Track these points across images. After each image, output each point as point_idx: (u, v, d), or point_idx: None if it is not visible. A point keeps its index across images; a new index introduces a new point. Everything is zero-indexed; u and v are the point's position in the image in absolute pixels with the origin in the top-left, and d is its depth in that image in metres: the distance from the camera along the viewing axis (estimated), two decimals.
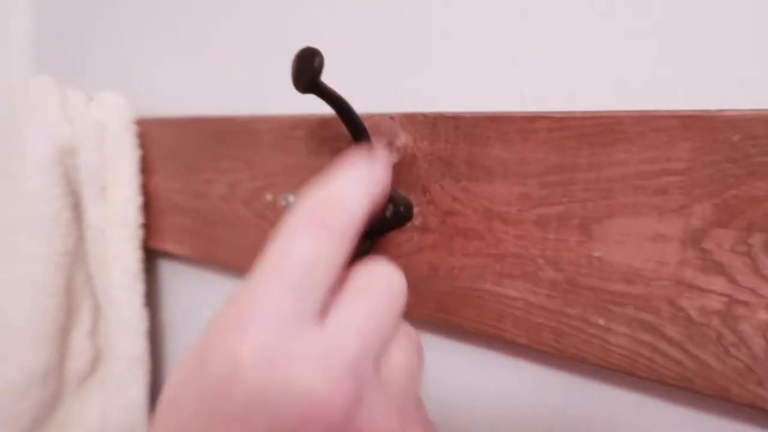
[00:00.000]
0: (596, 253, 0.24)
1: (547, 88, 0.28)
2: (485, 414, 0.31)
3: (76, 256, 0.45)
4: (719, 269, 0.21)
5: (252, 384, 0.17)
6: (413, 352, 0.21)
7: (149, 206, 0.47)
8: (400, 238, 0.31)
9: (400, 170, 0.31)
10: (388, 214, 0.30)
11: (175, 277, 0.50)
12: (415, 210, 0.30)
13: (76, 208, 0.45)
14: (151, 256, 0.49)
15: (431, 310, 0.29)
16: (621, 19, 0.25)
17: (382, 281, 0.21)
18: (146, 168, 0.47)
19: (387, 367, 0.20)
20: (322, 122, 0.34)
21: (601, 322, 0.24)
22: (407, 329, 0.22)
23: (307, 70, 0.26)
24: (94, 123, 0.45)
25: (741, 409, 0.23)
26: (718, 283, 0.21)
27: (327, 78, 0.26)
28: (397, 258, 0.31)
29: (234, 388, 0.17)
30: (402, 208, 0.30)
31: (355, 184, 0.21)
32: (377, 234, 0.32)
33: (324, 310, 0.19)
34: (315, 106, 0.31)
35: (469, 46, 0.31)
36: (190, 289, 0.49)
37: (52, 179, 0.43)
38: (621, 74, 0.26)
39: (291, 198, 0.36)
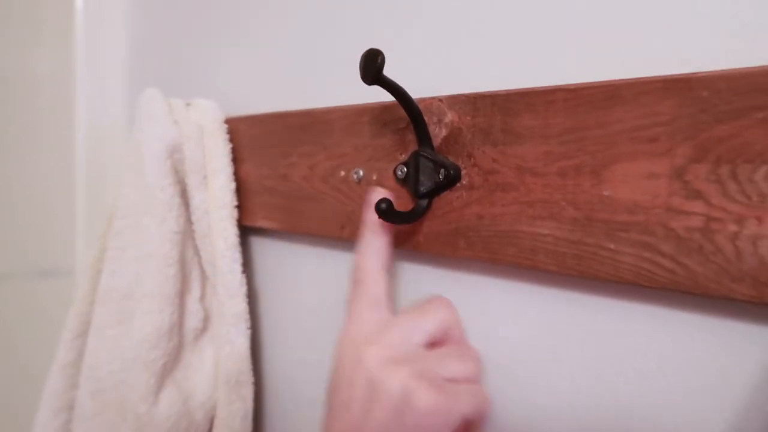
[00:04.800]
0: (606, 193, 0.31)
1: (562, 65, 0.35)
2: (524, 339, 0.38)
3: (186, 233, 0.55)
4: (698, 195, 0.28)
5: (337, 357, 0.38)
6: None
7: (241, 190, 0.56)
8: (451, 196, 0.38)
9: (448, 141, 0.38)
10: (441, 177, 0.38)
11: (263, 249, 0.59)
12: (462, 172, 0.37)
13: (184, 194, 0.55)
14: (244, 232, 0.58)
15: (479, 251, 0.37)
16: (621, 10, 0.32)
17: (427, 305, 0.39)
18: (236, 158, 0.56)
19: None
20: (383, 108, 0.42)
21: (612, 246, 0.31)
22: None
23: (373, 67, 0.34)
24: (194, 124, 0.55)
25: (718, 304, 0.29)
26: (697, 206, 0.28)
27: (387, 71, 0.34)
28: (450, 212, 0.38)
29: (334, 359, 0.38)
30: (452, 172, 0.37)
31: (366, 245, 0.40)
32: (433, 195, 0.39)
33: (383, 314, 0.38)
34: (377, 96, 0.39)
35: (498, 37, 0.38)
36: (275, 259, 0.58)
37: (164, 171, 0.53)
38: (621, 50, 0.32)
39: (361, 172, 0.44)
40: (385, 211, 0.36)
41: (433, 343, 0.36)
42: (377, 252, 0.39)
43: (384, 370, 0.33)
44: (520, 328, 0.38)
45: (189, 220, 0.56)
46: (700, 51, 0.29)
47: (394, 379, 0.32)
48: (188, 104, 0.58)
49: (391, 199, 0.38)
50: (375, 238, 0.39)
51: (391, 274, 0.41)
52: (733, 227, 0.27)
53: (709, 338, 0.30)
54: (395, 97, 0.37)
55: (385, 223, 0.39)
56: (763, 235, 0.26)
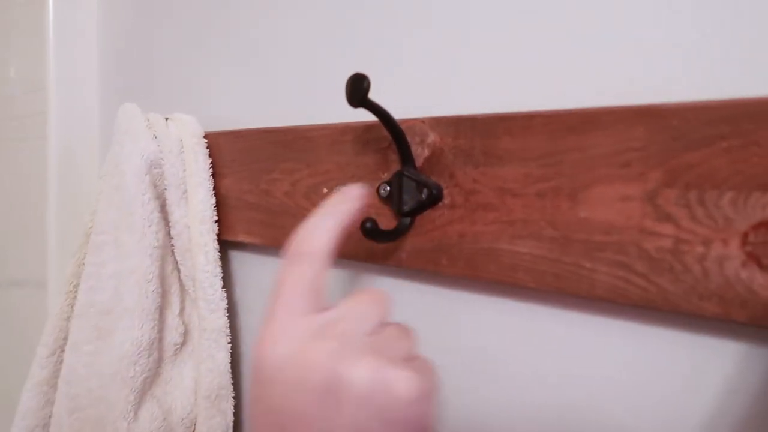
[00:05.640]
0: (582, 214, 0.32)
1: (541, 91, 0.36)
2: (507, 353, 0.39)
3: (165, 248, 0.55)
4: (668, 218, 0.29)
5: (270, 355, 0.28)
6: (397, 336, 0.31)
7: (221, 205, 0.56)
8: (434, 214, 0.39)
9: (431, 161, 0.39)
10: (424, 197, 0.39)
11: (243, 264, 0.60)
12: (444, 192, 0.39)
13: (163, 209, 0.55)
14: (223, 246, 0.58)
15: (461, 267, 0.38)
16: (600, 42, 0.34)
17: (365, 298, 0.32)
18: (217, 173, 0.57)
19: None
20: (366, 128, 0.43)
21: (589, 265, 0.32)
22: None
23: (359, 91, 0.35)
24: (174, 139, 0.55)
25: (688, 320, 0.31)
26: (668, 229, 0.29)
27: (371, 92, 0.35)
28: (433, 230, 0.39)
29: (263, 360, 0.29)
30: (434, 191, 0.39)
31: (322, 223, 0.33)
32: (416, 213, 0.40)
33: (319, 306, 0.30)
34: (360, 115, 0.40)
35: (479, 64, 0.39)
36: (254, 273, 0.58)
37: (144, 186, 0.53)
38: (600, 80, 0.34)
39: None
40: (369, 229, 0.37)
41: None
42: (336, 235, 0.32)
43: (346, 366, 0.27)
44: (501, 341, 0.39)
45: (168, 235, 0.56)
46: (672, 82, 0.31)
47: (360, 372, 0.27)
48: (167, 119, 0.58)
49: (374, 215, 0.39)
50: (337, 222, 0.33)
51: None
52: (700, 249, 0.28)
53: (680, 352, 0.31)
54: (380, 119, 0.38)
55: (358, 205, 0.34)
56: (729, 257, 0.28)
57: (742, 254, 0.27)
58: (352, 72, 0.35)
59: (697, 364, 0.31)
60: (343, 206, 0.34)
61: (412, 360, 0.30)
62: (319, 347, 0.28)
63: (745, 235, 0.27)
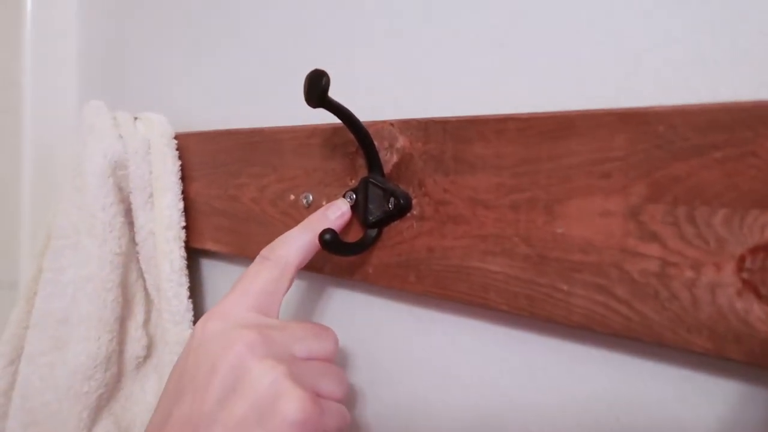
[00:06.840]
0: (559, 230, 0.29)
1: (514, 94, 0.33)
2: (476, 379, 0.36)
3: (129, 255, 0.52)
4: (654, 237, 0.26)
5: (202, 328, 0.32)
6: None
7: (190, 210, 0.53)
8: (401, 226, 0.36)
9: (399, 168, 0.36)
10: (391, 206, 0.36)
11: (213, 272, 0.56)
12: (413, 201, 0.35)
13: (128, 213, 0.52)
14: (193, 254, 0.55)
15: (429, 286, 0.34)
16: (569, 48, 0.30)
17: (311, 327, 0.34)
18: (186, 176, 0.54)
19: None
20: (334, 130, 0.40)
21: (565, 287, 0.29)
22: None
23: (317, 89, 0.32)
24: (141, 139, 0.52)
25: (675, 353, 0.27)
26: (653, 249, 0.26)
27: (337, 94, 0.32)
28: (400, 243, 0.36)
29: (196, 331, 0.32)
30: (402, 201, 0.35)
31: (297, 235, 0.35)
32: (382, 224, 0.37)
33: (269, 309, 0.33)
34: (328, 117, 0.37)
35: (452, 65, 0.36)
36: (226, 283, 0.55)
37: (106, 189, 0.50)
38: (584, 83, 0.30)
39: (310, 197, 0.42)
40: (329, 242, 0.33)
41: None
42: (306, 248, 0.35)
43: (257, 360, 0.28)
44: (472, 367, 0.36)
45: (133, 241, 0.52)
46: (661, 85, 0.28)
47: (266, 372, 0.28)
48: (136, 118, 0.55)
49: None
50: (312, 237, 0.35)
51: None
52: (690, 273, 0.25)
53: (665, 387, 0.28)
54: (342, 121, 0.34)
55: (338, 224, 0.37)
56: (722, 284, 0.24)
57: (737, 281, 0.24)
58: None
59: (687, 403, 0.27)
60: (323, 223, 0.35)
61: (325, 397, 0.31)
62: (242, 333, 0.29)
63: (742, 259, 0.24)
